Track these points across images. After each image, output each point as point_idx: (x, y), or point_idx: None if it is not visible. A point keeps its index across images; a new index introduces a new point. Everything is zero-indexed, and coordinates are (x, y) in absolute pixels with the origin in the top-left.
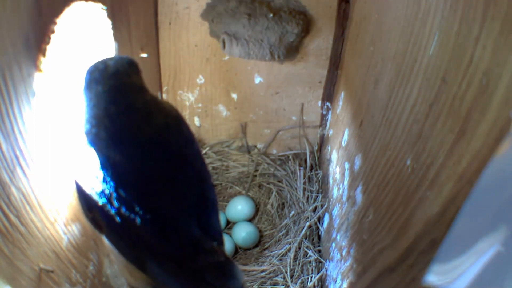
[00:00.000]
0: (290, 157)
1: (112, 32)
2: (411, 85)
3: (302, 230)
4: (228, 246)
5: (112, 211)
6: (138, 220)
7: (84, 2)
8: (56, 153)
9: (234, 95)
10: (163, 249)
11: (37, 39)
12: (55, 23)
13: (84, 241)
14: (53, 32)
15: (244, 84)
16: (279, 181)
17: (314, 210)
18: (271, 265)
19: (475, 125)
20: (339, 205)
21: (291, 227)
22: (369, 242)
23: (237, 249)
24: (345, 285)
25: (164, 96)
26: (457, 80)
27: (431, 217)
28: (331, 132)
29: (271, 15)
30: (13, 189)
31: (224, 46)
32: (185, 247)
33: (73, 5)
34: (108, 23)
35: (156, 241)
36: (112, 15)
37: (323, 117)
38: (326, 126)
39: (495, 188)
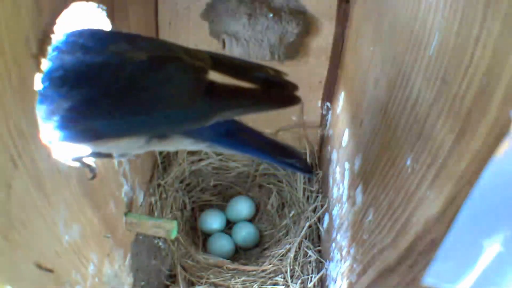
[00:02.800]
0: None
1: None
2: (411, 85)
3: (302, 230)
4: (228, 246)
5: None
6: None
7: (84, 2)
8: (56, 152)
9: None
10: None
11: (37, 39)
12: (55, 23)
13: (84, 241)
14: (53, 32)
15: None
16: (279, 181)
17: (314, 210)
18: (271, 265)
19: (475, 125)
20: (339, 205)
21: (291, 227)
22: (369, 242)
23: (237, 249)
24: (345, 285)
25: None
26: (457, 80)
27: (431, 217)
28: (331, 132)
29: (271, 15)
30: (13, 188)
31: (224, 46)
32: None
33: (73, 5)
34: (108, 23)
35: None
36: (112, 15)
37: (323, 117)
38: (326, 126)
39: (495, 188)
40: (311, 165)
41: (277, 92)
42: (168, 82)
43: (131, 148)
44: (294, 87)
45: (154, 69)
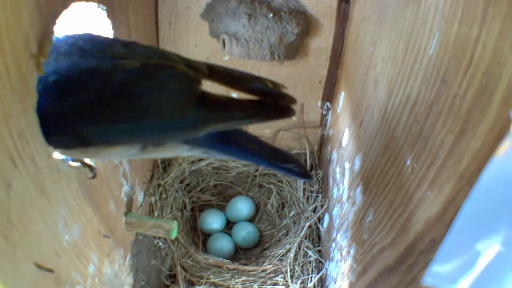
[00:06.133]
0: None
1: (112, 32)
2: (411, 85)
3: (302, 230)
4: (228, 246)
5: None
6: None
7: (84, 2)
8: (56, 152)
9: (234, 95)
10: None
11: (37, 39)
12: (55, 23)
13: (84, 241)
14: (53, 32)
15: None
16: (279, 181)
17: (314, 210)
18: (271, 265)
19: (475, 125)
20: (339, 205)
21: (291, 227)
22: (369, 242)
23: (237, 249)
24: (345, 285)
25: None
26: (457, 80)
27: (431, 217)
28: (331, 132)
29: (271, 15)
30: (13, 188)
31: (224, 46)
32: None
33: (73, 5)
34: (108, 23)
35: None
36: (112, 15)
37: (323, 117)
38: (326, 126)
39: (495, 188)
40: (311, 166)
41: (271, 104)
42: (159, 91)
43: (125, 156)
44: (292, 100)
45: (145, 76)
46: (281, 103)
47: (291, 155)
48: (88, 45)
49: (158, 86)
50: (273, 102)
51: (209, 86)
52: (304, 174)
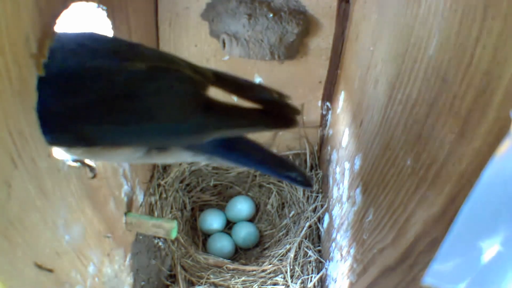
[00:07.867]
0: (290, 157)
1: (112, 32)
2: (411, 85)
3: (302, 230)
4: (228, 246)
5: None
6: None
7: (84, 2)
8: (56, 152)
9: (234, 99)
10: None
11: (37, 39)
12: (55, 23)
13: (84, 241)
14: (53, 32)
15: None
16: (279, 181)
17: (314, 210)
18: (271, 265)
19: (475, 125)
20: (339, 205)
21: (291, 227)
22: (369, 242)
23: (237, 249)
24: (345, 285)
25: None
26: (457, 80)
27: (431, 217)
28: (331, 132)
29: (271, 15)
30: (13, 188)
31: (224, 46)
32: None
33: (73, 5)
34: (108, 23)
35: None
36: (112, 15)
37: (323, 117)
38: (326, 126)
39: (495, 188)
40: (311, 166)
41: (276, 114)
42: (164, 93)
43: (129, 159)
44: (295, 111)
45: (151, 79)
46: (285, 113)
47: (293, 163)
48: (95, 45)
49: (163, 89)
50: (277, 111)
51: (212, 92)
52: (306, 183)
